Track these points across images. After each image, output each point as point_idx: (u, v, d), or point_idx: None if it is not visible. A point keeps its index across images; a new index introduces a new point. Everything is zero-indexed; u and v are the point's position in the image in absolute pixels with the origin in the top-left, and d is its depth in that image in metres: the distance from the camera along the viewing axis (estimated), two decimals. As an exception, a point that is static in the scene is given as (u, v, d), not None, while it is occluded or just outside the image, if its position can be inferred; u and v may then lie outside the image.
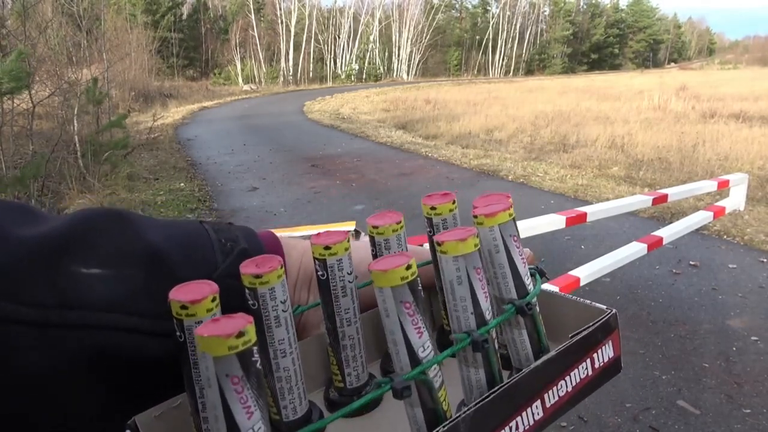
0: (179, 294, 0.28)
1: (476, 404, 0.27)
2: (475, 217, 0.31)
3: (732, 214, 4.17)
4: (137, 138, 9.12)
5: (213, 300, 0.27)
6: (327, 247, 0.33)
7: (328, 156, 7.78)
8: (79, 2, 9.27)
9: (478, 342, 0.29)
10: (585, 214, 2.27)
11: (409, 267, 0.27)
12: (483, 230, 0.31)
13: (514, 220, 0.32)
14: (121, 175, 6.46)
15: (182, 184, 6.21)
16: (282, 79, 32.51)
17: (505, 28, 44.31)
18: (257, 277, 0.29)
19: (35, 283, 0.29)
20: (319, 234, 0.34)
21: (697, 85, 17.91)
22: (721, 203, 3.02)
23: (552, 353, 0.31)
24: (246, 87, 27.39)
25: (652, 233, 2.56)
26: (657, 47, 61.13)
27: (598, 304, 0.35)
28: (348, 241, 0.34)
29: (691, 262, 3.62)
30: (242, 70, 31.95)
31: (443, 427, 0.26)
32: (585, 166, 6.90)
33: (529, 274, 0.33)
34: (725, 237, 4.10)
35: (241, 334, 0.23)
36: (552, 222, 2.15)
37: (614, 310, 0.34)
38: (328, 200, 5.40)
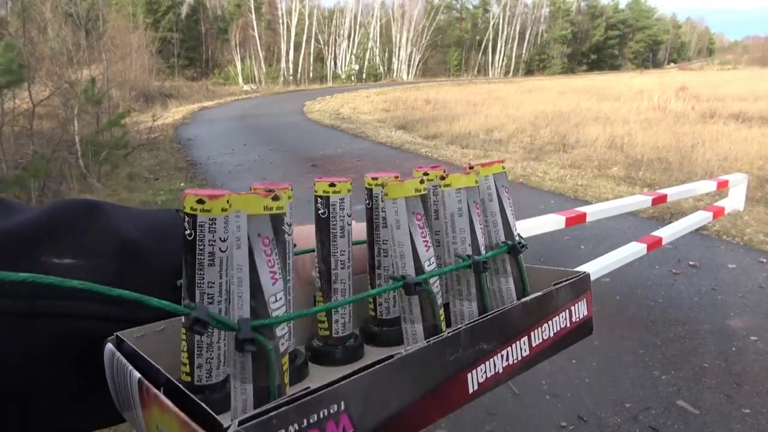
0: (195, 190, 0.27)
1: (474, 321, 0.28)
2: (471, 167, 0.33)
3: (731, 215, 4.18)
4: (137, 138, 9.12)
5: (228, 201, 0.26)
6: (332, 185, 0.33)
7: (328, 156, 7.78)
8: (78, 2, 9.28)
9: (479, 263, 0.30)
10: (585, 214, 2.27)
11: (422, 181, 0.29)
12: (479, 179, 0.33)
13: (506, 173, 0.34)
14: (121, 175, 6.47)
15: (183, 184, 6.22)
16: (282, 79, 32.48)
17: (505, 28, 44.30)
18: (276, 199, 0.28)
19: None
20: (320, 177, 0.35)
21: (696, 85, 17.89)
22: (720, 203, 3.02)
23: (538, 293, 0.33)
24: (246, 87, 27.36)
25: (652, 233, 2.56)
26: (656, 48, 61.10)
27: (573, 269, 0.38)
28: (350, 183, 0.34)
29: (691, 262, 3.63)
30: (242, 70, 31.91)
31: (448, 333, 0.26)
32: (585, 166, 6.90)
33: (516, 223, 0.35)
34: (725, 237, 4.10)
35: (276, 198, 0.23)
36: (552, 222, 2.15)
37: (588, 272, 0.37)
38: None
